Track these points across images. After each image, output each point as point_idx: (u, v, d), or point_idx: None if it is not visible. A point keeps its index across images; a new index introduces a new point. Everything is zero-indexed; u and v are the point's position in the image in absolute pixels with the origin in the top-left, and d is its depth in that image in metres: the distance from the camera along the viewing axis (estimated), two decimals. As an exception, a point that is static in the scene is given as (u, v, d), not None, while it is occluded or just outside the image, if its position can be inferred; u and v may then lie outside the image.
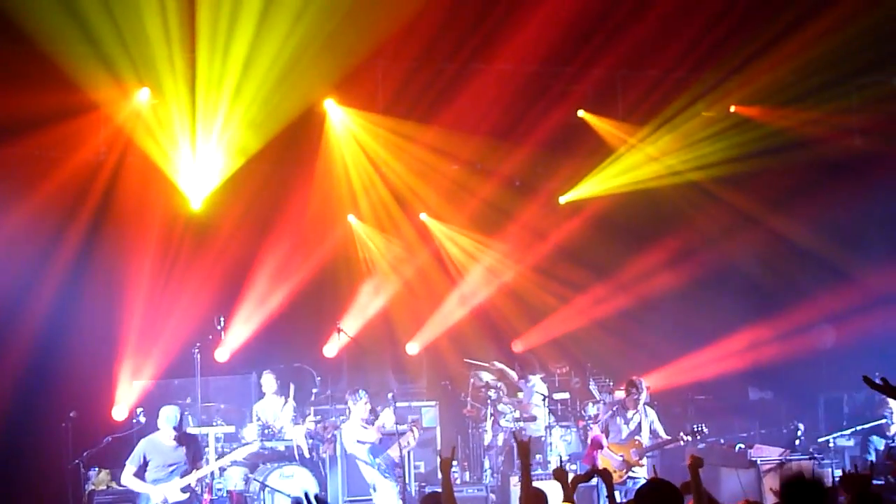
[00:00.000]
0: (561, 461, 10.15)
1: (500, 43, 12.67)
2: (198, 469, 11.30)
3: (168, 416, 11.15)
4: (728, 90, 14.18)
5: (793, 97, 14.02)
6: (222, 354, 14.01)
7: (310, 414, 13.13)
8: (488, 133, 14.20)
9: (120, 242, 13.59)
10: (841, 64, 13.29)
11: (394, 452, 12.26)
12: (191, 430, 12.94)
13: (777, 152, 14.45)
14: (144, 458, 11.22)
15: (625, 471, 12.43)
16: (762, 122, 14.54)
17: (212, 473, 12.28)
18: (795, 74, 13.62)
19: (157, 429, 11.24)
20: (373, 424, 12.44)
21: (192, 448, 11.40)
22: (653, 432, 12.75)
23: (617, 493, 11.79)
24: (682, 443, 12.34)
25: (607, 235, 15.60)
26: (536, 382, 13.97)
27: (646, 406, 12.97)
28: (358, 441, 12.34)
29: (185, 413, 11.75)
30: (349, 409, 12.60)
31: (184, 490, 11.21)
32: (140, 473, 11.21)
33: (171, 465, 11.17)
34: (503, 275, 16.21)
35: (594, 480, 10.84)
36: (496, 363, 14.20)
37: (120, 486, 12.53)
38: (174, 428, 11.11)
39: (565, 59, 13.24)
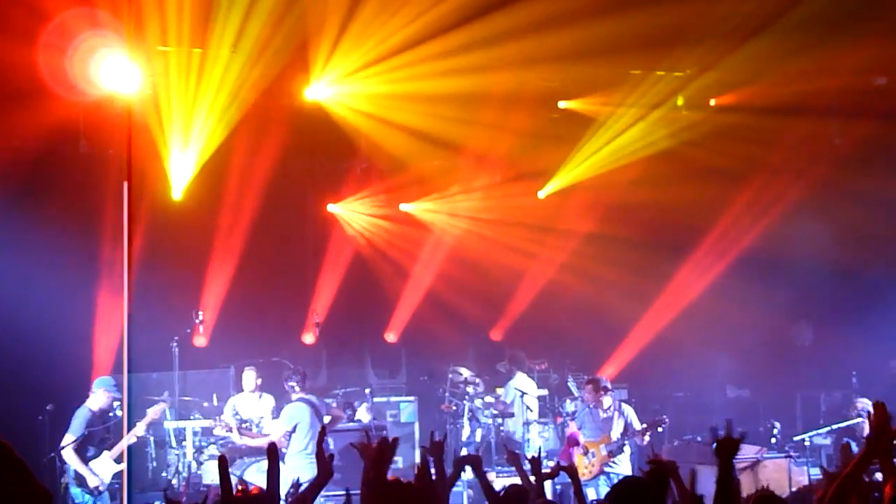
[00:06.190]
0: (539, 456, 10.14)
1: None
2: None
3: (109, 383, 11.70)
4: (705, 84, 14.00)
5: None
6: (200, 341, 13.98)
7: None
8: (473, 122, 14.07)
9: (98, 232, 13.43)
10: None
11: None
12: (168, 423, 12.94)
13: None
14: (86, 429, 11.56)
15: (596, 467, 12.46)
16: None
17: (188, 467, 12.25)
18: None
19: (111, 411, 11.73)
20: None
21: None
22: (628, 428, 12.75)
23: (591, 490, 11.97)
24: (645, 436, 12.35)
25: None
26: (520, 378, 13.92)
27: (622, 403, 12.98)
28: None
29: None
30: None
31: (117, 461, 11.58)
32: (79, 448, 11.57)
33: (102, 438, 11.70)
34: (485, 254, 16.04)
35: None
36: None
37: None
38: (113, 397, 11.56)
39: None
